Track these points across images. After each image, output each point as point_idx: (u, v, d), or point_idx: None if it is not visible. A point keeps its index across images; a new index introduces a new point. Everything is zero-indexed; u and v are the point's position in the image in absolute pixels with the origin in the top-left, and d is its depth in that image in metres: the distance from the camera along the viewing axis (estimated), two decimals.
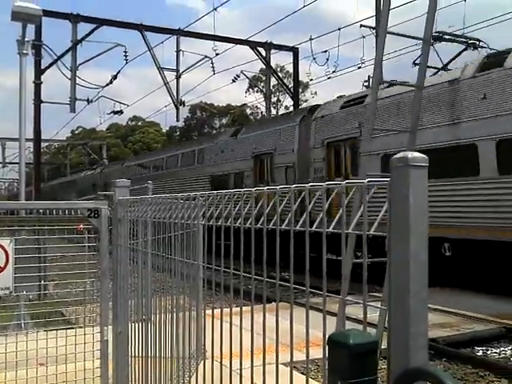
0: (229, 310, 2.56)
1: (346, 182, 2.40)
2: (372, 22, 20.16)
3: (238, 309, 2.51)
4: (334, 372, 1.83)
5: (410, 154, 2.15)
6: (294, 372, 2.23)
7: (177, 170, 26.30)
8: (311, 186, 2.49)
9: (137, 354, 3.63)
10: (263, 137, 19.59)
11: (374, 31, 19.72)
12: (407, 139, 6.78)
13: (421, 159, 2.15)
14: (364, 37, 22.20)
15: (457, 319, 8.47)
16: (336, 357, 1.84)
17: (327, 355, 1.86)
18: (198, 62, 26.09)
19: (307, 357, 2.13)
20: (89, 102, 24.95)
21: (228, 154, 21.48)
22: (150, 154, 38.51)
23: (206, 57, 25.68)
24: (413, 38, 8.39)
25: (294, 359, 2.17)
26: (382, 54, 7.06)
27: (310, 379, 2.36)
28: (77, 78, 22.61)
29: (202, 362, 4.53)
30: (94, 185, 38.68)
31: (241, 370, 2.39)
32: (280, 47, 28.01)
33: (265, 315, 2.37)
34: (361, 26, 21.00)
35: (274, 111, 43.53)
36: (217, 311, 2.64)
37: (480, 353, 7.21)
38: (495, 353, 7.21)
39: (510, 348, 7.35)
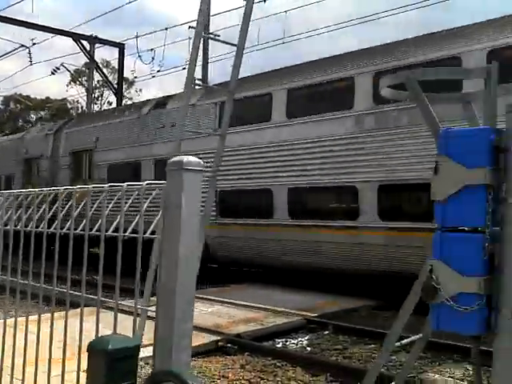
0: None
1: (127, 185, 2.38)
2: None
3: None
4: (94, 379, 1.78)
5: (185, 158, 2.17)
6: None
7: None
8: (94, 187, 2.42)
9: None
10: None
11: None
12: (218, 143, 6.97)
13: (195, 163, 2.19)
14: (191, 38, 22.49)
15: (261, 314, 8.96)
16: (95, 363, 1.79)
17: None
18: (12, 50, 24.12)
19: (78, 366, 2.07)
20: None
21: None
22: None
23: (22, 45, 23.84)
24: (227, 43, 8.69)
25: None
26: (196, 56, 7.25)
27: None
28: None
29: None
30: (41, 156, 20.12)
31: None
32: (105, 42, 27.03)
33: (27, 319, 2.25)
34: (189, 27, 21.27)
35: (96, 107, 41.87)
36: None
37: (280, 344, 7.71)
38: (293, 343, 7.77)
39: (306, 338, 7.99)
